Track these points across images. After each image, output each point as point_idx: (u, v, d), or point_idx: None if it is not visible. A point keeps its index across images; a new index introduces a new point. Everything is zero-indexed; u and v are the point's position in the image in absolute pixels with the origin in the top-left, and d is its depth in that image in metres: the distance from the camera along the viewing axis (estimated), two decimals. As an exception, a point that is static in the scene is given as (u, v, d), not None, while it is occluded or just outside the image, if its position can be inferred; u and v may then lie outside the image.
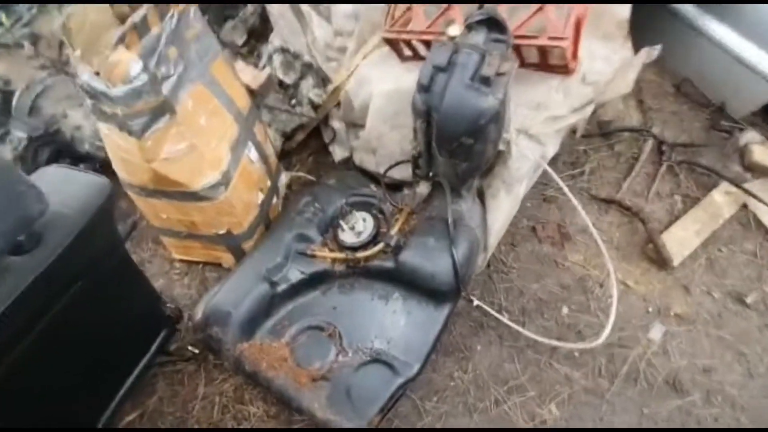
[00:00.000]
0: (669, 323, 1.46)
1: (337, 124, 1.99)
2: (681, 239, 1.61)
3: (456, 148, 1.23)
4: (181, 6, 1.25)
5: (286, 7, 1.99)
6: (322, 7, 1.91)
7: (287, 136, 1.97)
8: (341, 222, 1.46)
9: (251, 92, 1.63)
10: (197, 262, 1.65)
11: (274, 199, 1.71)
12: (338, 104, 1.93)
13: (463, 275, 1.31)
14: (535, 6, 1.27)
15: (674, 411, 1.31)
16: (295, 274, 1.39)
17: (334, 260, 1.40)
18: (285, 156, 1.96)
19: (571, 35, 1.26)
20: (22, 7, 2.44)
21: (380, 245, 1.37)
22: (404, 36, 1.51)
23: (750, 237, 1.63)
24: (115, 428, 1.21)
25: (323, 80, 1.97)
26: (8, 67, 2.34)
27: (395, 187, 1.69)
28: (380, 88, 1.64)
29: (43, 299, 0.67)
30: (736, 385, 1.34)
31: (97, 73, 1.05)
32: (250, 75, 1.72)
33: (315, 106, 1.91)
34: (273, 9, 2.00)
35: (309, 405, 1.21)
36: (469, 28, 1.21)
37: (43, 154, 1.82)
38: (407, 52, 1.62)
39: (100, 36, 1.22)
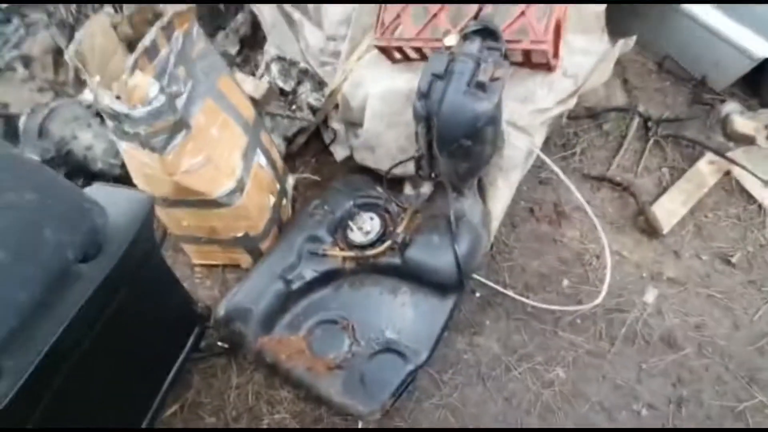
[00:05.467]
0: (662, 286, 1.57)
1: (336, 125, 2.08)
2: (669, 209, 1.71)
3: (456, 149, 1.29)
4: (185, 26, 1.34)
5: (278, 16, 2.07)
6: (313, 14, 1.99)
7: (289, 140, 2.06)
8: (350, 222, 1.55)
9: (254, 101, 1.72)
10: (217, 265, 1.75)
11: (284, 201, 1.81)
12: (336, 106, 2.01)
13: (466, 268, 1.41)
14: (517, 11, 1.35)
15: (670, 364, 1.42)
16: (308, 272, 1.49)
17: (344, 259, 1.50)
18: (289, 159, 2.05)
19: (551, 38, 1.34)
20: (8, 30, 2.48)
21: (387, 243, 1.47)
22: (395, 43, 1.60)
23: (734, 202, 1.73)
24: (157, 429, 1.30)
25: (320, 84, 2.06)
26: (3, 91, 2.41)
27: (397, 181, 1.78)
28: (375, 90, 1.73)
29: (103, 302, 0.77)
30: (724, 337, 1.46)
31: (118, 97, 1.14)
32: (252, 85, 1.80)
33: (314, 110, 2.00)
34: (266, 19, 2.08)
35: (326, 392, 1.32)
36: (464, 37, 1.28)
37: (57, 175, 1.91)
38: (398, 56, 1.71)
39: (109, 60, 1.32)
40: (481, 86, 1.22)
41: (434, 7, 1.51)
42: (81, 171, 1.94)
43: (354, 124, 2.01)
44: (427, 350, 1.36)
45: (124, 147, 1.25)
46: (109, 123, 1.20)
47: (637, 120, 1.94)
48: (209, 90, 1.41)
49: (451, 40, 1.32)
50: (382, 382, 1.31)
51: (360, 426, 1.35)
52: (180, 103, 1.27)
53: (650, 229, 1.67)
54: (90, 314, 0.73)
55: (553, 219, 1.75)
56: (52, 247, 0.62)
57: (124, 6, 1.56)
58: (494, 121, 1.30)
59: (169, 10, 1.29)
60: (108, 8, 1.48)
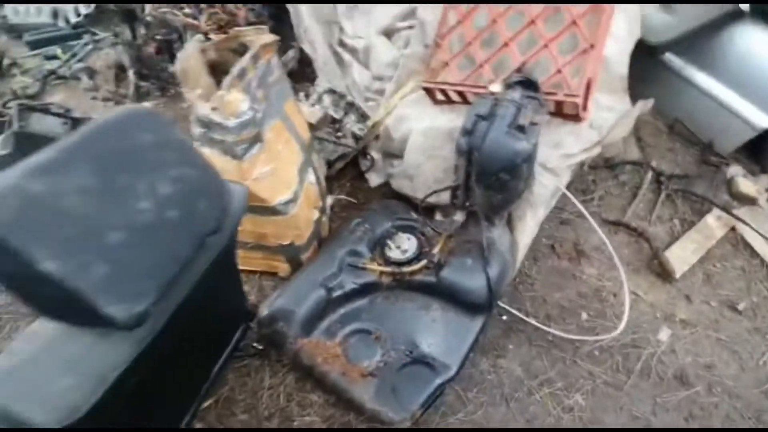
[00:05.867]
0: (675, 327, 1.68)
1: (375, 154, 2.26)
2: (681, 256, 1.85)
3: (493, 182, 1.44)
4: (267, 56, 1.54)
5: (329, 56, 2.32)
6: (362, 56, 2.23)
7: (330, 164, 2.23)
8: (388, 241, 1.68)
9: (310, 126, 1.90)
10: (254, 272, 1.86)
11: (324, 218, 1.95)
12: (377, 137, 2.20)
13: (496, 292, 1.53)
14: (554, 68, 1.56)
15: (682, 400, 1.51)
16: (348, 283, 1.60)
17: (381, 273, 1.62)
18: (327, 181, 2.21)
19: (583, 93, 1.54)
20: (77, 44, 2.81)
21: (423, 262, 1.59)
22: (441, 86, 1.81)
23: (739, 255, 1.88)
24: (194, 429, 1.35)
25: (362, 116, 2.26)
26: (66, 97, 2.65)
27: (429, 209, 1.93)
28: (419, 126, 1.92)
29: (211, 275, 0.88)
30: (732, 378, 1.55)
31: (214, 108, 1.31)
32: (307, 112, 1.99)
33: (357, 138, 2.19)
34: (319, 57, 2.33)
35: (359, 397, 1.39)
36: (507, 86, 1.48)
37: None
38: (440, 97, 1.91)
39: (198, 78, 1.51)
40: (521, 129, 1.40)
41: (480, 59, 1.73)
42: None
43: (392, 155, 2.19)
44: (456, 366, 1.44)
45: (206, 152, 1.40)
46: (198, 130, 1.36)
47: (650, 174, 2.12)
48: (278, 111, 1.60)
49: (496, 87, 1.52)
50: (412, 393, 1.39)
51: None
52: (257, 119, 1.44)
53: (663, 273, 1.81)
54: (203, 284, 0.84)
55: (573, 256, 1.89)
56: (204, 217, 0.75)
57: (213, 35, 1.77)
58: (530, 160, 1.47)
59: (257, 42, 1.50)
60: (199, 36, 1.69)
